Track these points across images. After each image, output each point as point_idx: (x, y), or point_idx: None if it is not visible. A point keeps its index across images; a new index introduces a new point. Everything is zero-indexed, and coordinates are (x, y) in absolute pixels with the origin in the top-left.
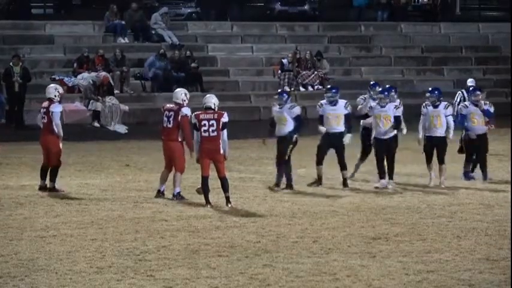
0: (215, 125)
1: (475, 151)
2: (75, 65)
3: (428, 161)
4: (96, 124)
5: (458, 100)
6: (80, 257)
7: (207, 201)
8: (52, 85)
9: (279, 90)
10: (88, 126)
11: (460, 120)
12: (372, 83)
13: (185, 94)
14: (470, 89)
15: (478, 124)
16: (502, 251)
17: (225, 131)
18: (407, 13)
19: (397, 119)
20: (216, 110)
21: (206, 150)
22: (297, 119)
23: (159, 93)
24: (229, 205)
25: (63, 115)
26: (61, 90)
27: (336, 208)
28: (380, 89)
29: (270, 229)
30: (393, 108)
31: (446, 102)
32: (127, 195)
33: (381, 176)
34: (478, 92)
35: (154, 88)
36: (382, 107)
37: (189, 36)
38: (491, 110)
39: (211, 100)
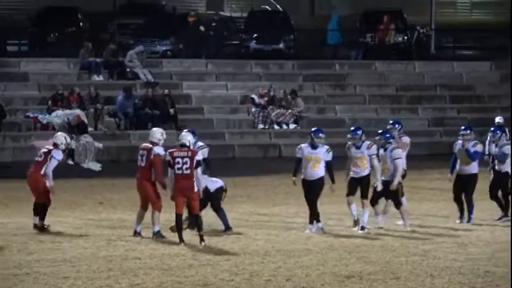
0: (189, 162)
1: (460, 191)
2: (49, 102)
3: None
4: (70, 162)
5: (488, 139)
6: None
7: (181, 239)
8: (61, 133)
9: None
10: (62, 163)
11: (453, 159)
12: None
13: (161, 134)
14: (462, 128)
15: (461, 164)
16: None
17: (199, 169)
18: (382, 52)
19: (327, 163)
20: (191, 147)
21: (180, 188)
22: None
23: (134, 131)
24: (203, 243)
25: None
26: (69, 140)
27: (310, 246)
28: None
29: (243, 267)
30: (325, 152)
31: (369, 142)
32: (100, 233)
33: (311, 220)
34: (464, 132)
35: (128, 126)
36: (313, 148)
37: (164, 73)
38: (473, 150)
39: (187, 138)
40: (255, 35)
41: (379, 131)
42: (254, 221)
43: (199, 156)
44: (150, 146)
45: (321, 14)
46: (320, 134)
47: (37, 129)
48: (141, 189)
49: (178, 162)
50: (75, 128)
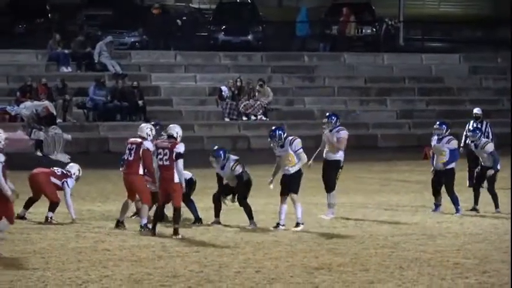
0: (168, 154)
1: (438, 185)
2: (18, 93)
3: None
4: (39, 153)
5: (467, 139)
6: (22, 287)
7: (153, 231)
8: (75, 164)
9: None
10: (31, 155)
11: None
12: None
13: (150, 129)
14: (438, 122)
15: (438, 159)
16: (445, 281)
17: (179, 162)
18: (350, 43)
19: (237, 177)
20: (178, 140)
21: (162, 178)
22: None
23: (102, 123)
24: (175, 237)
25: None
26: (81, 173)
27: (279, 238)
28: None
29: (212, 259)
30: (230, 171)
31: (291, 138)
32: (69, 225)
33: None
34: (439, 127)
35: (96, 117)
36: (221, 169)
37: (132, 65)
38: (448, 149)
39: (175, 129)
40: (224, 26)
41: (327, 114)
42: (223, 213)
43: (178, 149)
44: (140, 140)
45: (289, 6)
46: (216, 156)
47: (5, 121)
48: (129, 183)
49: (160, 153)
50: (43, 120)
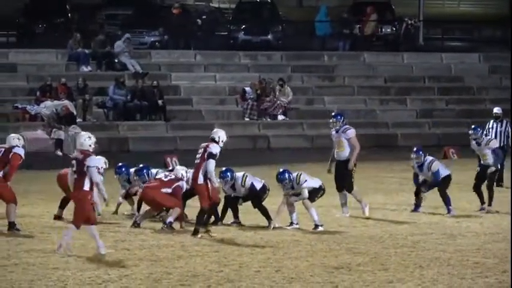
0: (202, 153)
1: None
2: (38, 93)
3: None
4: (59, 153)
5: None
6: (41, 286)
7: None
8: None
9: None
10: (51, 154)
11: (414, 178)
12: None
13: (186, 171)
14: (414, 149)
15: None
16: (465, 281)
17: (210, 162)
18: (370, 43)
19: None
20: (220, 144)
21: (192, 178)
22: None
23: (122, 122)
24: (194, 237)
25: (25, 143)
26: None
27: (299, 238)
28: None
29: (232, 258)
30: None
31: (295, 174)
32: None
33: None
34: (416, 155)
35: (116, 117)
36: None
37: (152, 64)
38: (431, 172)
39: (217, 133)
40: (243, 26)
41: (333, 114)
42: (242, 212)
43: (211, 149)
44: (177, 177)
45: (309, 5)
46: (224, 177)
47: (26, 120)
48: (150, 199)
49: (198, 153)
50: (63, 119)
